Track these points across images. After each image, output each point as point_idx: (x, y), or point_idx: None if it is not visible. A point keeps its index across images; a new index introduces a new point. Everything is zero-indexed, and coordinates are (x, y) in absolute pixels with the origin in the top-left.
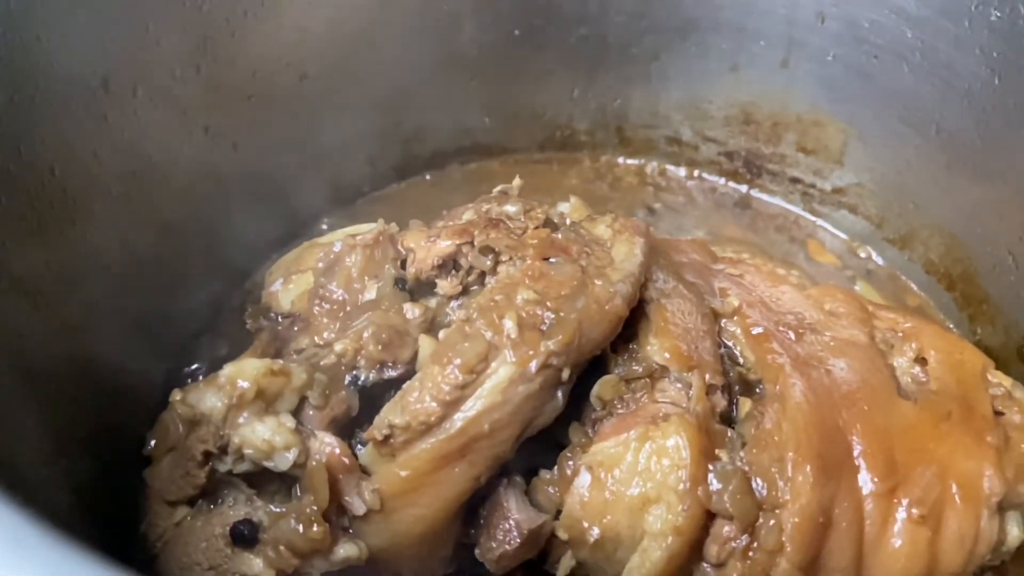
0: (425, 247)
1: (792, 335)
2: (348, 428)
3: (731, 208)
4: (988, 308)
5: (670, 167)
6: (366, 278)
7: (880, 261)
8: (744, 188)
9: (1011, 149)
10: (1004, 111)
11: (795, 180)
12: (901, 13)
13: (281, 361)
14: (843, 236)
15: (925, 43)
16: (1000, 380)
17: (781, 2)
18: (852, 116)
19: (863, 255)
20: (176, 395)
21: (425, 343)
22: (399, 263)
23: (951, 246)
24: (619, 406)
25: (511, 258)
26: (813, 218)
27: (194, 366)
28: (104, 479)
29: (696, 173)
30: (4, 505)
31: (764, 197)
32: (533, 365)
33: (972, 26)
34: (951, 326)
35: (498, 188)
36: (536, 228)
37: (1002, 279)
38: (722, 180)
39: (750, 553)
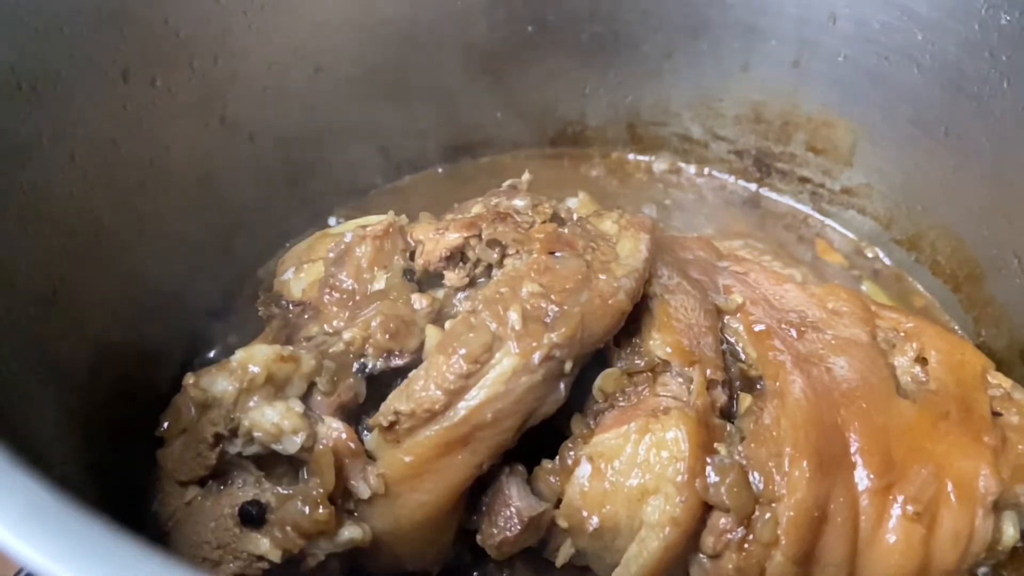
0: (433, 239)
1: (794, 333)
2: (355, 414)
3: (740, 206)
4: (993, 311)
5: (680, 164)
6: (375, 269)
7: (887, 261)
8: (753, 186)
9: (1019, 152)
10: (1013, 114)
11: (804, 179)
12: (912, 15)
13: (291, 348)
14: (851, 236)
15: (935, 45)
16: (1000, 381)
17: (792, 2)
18: (862, 117)
19: (870, 255)
20: (189, 379)
21: (431, 333)
22: (408, 255)
23: (958, 248)
24: (620, 399)
25: (517, 252)
26: (822, 217)
27: (208, 352)
28: (118, 459)
29: (706, 171)
30: (21, 473)
31: (773, 196)
32: (536, 357)
33: (982, 29)
34: (956, 327)
35: (507, 182)
36: (543, 223)
37: (1008, 282)
38: (732, 178)
39: (746, 545)
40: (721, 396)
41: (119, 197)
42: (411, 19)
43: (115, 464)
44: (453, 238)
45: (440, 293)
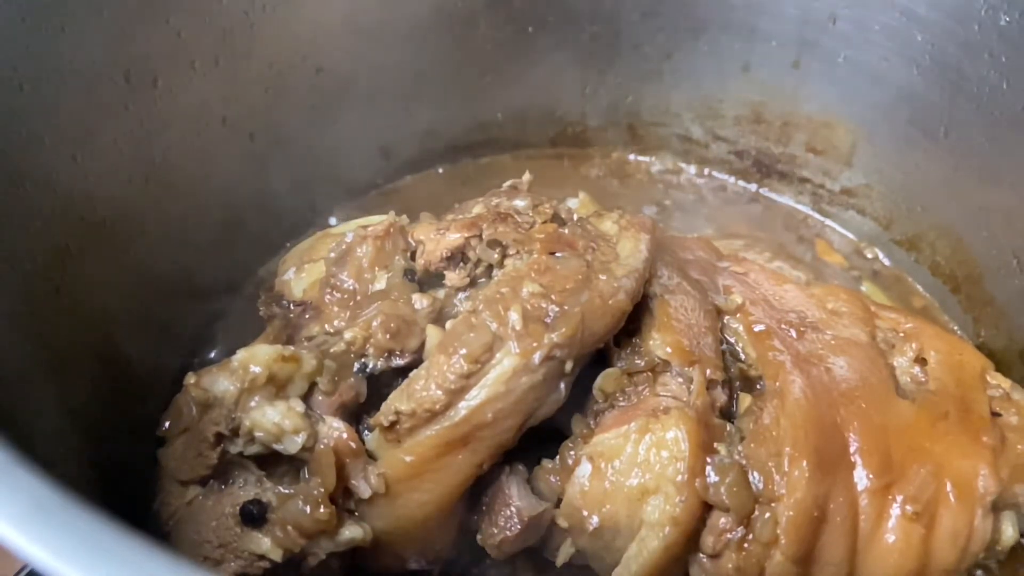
0: (434, 239)
1: (793, 333)
2: (356, 414)
3: (740, 206)
4: (992, 311)
5: (681, 165)
6: (376, 269)
7: (887, 262)
8: (754, 187)
9: (1018, 153)
10: (1012, 115)
11: (804, 180)
12: (911, 16)
13: (292, 348)
14: (851, 236)
15: (935, 46)
16: (999, 382)
17: (792, 3)
18: (862, 118)
19: (870, 256)
20: (190, 378)
21: (432, 333)
22: (409, 255)
23: (957, 248)
24: (621, 399)
25: (518, 252)
26: (821, 218)
27: (208, 352)
28: (119, 458)
29: (706, 171)
30: (24, 471)
31: (773, 196)
32: (536, 357)
33: (981, 30)
34: (956, 328)
35: (508, 183)
36: (543, 223)
37: (1007, 282)
38: (732, 179)
39: (745, 545)
40: (721, 396)
41: (120, 197)
42: (411, 19)
43: (116, 463)
44: (454, 238)
45: (441, 293)
